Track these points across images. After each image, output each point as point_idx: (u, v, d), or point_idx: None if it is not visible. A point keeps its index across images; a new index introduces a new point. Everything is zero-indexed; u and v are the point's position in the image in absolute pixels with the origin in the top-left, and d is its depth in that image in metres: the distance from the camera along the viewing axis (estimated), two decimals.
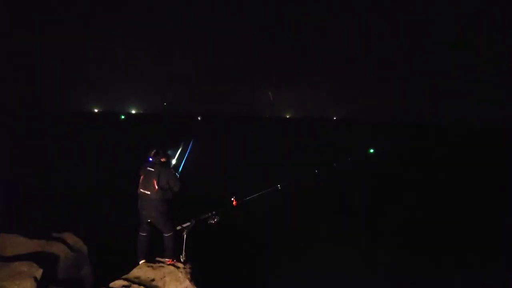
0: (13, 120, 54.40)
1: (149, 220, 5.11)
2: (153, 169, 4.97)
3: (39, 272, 3.94)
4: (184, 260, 5.16)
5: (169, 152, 5.39)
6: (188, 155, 5.64)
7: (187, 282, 4.69)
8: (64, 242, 5.10)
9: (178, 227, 5.30)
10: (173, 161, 5.43)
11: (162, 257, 5.19)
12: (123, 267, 4.92)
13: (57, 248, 4.88)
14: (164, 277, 4.69)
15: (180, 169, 5.47)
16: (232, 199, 5.58)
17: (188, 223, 5.37)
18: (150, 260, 5.15)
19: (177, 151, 5.57)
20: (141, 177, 5.04)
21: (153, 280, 4.60)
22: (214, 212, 5.47)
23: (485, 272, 8.33)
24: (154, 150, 5.11)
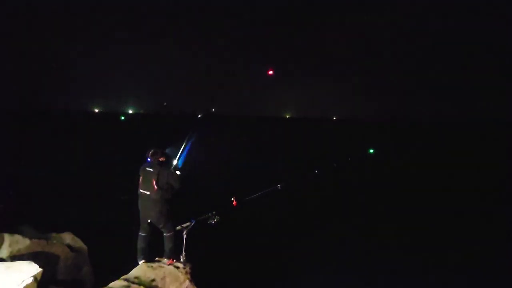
0: (13, 120, 54.37)
1: (149, 220, 5.11)
2: (152, 169, 4.97)
3: (39, 272, 3.94)
4: (184, 260, 5.15)
5: (168, 150, 5.36)
6: (188, 153, 5.61)
7: (187, 282, 4.68)
8: (64, 242, 5.11)
9: (178, 227, 5.30)
10: (174, 162, 5.40)
11: (162, 257, 5.19)
12: (123, 267, 4.92)
13: (57, 248, 4.88)
14: (164, 277, 4.68)
15: (181, 164, 5.43)
16: (232, 199, 5.57)
17: (188, 223, 5.36)
18: (150, 260, 5.14)
19: (178, 150, 5.53)
20: (141, 177, 5.04)
21: (153, 280, 4.60)
22: (214, 212, 5.46)
23: (485, 272, 8.33)
24: (152, 151, 5.09)
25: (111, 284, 4.37)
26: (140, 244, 5.18)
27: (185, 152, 5.55)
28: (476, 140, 53.49)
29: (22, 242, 4.73)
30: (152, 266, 4.92)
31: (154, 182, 4.89)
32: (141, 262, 5.08)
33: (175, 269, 4.88)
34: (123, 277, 4.62)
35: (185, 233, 5.24)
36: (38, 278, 3.87)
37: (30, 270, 3.94)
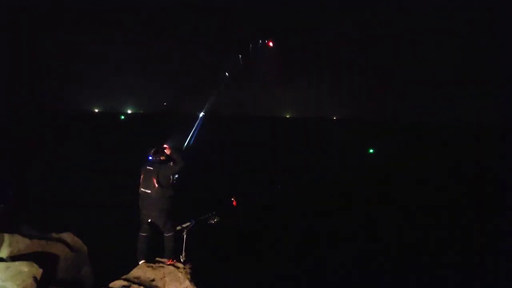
0: (13, 120, 54.34)
1: (149, 220, 5.11)
2: (152, 168, 4.97)
3: (39, 272, 3.94)
4: (184, 260, 5.15)
5: (171, 140, 5.33)
6: (196, 136, 5.59)
7: (187, 282, 4.68)
8: (64, 242, 5.10)
9: (178, 227, 5.30)
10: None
11: (162, 257, 5.19)
12: (123, 267, 4.92)
13: (57, 248, 4.88)
14: (164, 277, 4.68)
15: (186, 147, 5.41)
16: (232, 199, 5.58)
17: (188, 223, 5.36)
18: (150, 260, 5.14)
19: (184, 137, 5.52)
20: (142, 176, 5.04)
21: (153, 280, 4.60)
22: (214, 212, 5.47)
23: (484, 272, 8.33)
24: (154, 149, 5.10)
25: (111, 284, 4.37)
26: (140, 244, 5.17)
27: (193, 137, 5.54)
28: (476, 140, 53.48)
29: (22, 242, 4.73)
30: (152, 266, 4.92)
31: (155, 180, 4.89)
32: (141, 262, 5.08)
33: (175, 269, 4.88)
34: (123, 277, 4.62)
35: (185, 233, 5.24)
36: (38, 278, 3.88)
37: (30, 270, 3.94)
